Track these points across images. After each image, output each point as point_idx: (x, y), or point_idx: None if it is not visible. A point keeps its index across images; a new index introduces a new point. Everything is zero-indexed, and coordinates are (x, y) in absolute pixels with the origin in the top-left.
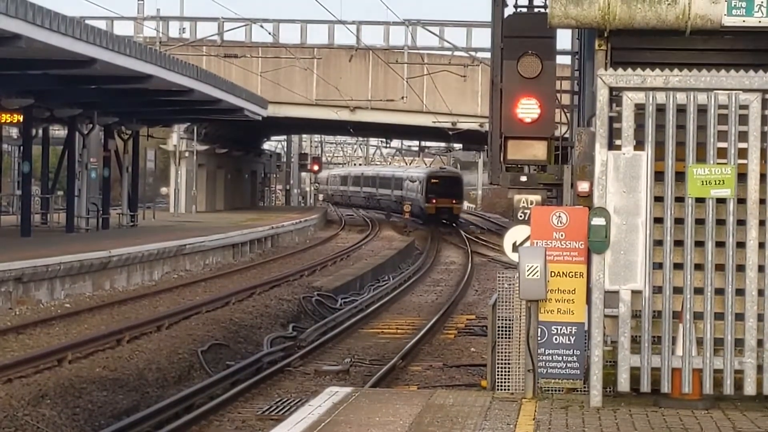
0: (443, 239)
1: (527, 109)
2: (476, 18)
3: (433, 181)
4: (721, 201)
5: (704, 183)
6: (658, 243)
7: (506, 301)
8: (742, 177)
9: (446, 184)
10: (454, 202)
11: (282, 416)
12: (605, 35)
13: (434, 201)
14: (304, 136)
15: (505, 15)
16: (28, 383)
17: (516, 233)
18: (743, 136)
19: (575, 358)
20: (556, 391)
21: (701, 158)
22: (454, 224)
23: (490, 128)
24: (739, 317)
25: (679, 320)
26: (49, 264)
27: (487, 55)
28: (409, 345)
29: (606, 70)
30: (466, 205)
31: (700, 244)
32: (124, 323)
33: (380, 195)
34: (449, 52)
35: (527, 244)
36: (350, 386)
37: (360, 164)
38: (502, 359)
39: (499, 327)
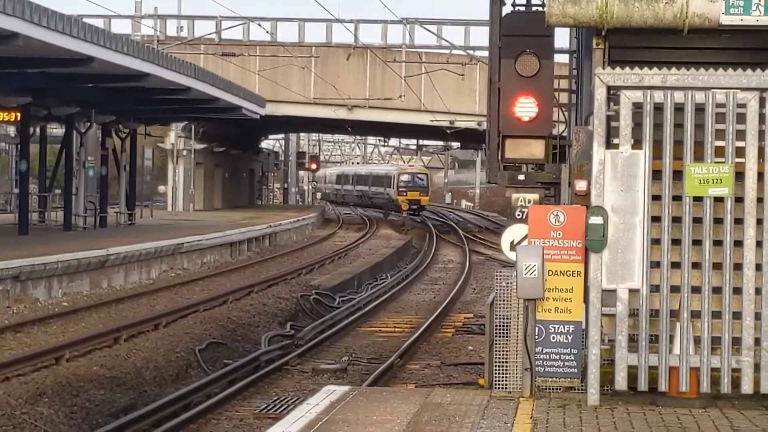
0: (441, 238)
1: (525, 107)
2: (474, 17)
3: (403, 178)
4: (718, 200)
5: (702, 182)
6: (656, 242)
7: (504, 300)
8: (739, 176)
9: (415, 180)
10: (421, 194)
11: (279, 415)
12: (603, 34)
13: (405, 194)
14: (302, 134)
15: (503, 14)
16: (25, 381)
17: (514, 232)
18: (741, 135)
19: (573, 357)
20: (553, 389)
21: (699, 157)
22: (420, 213)
23: (488, 127)
24: (737, 316)
25: (677, 319)
26: (46, 262)
27: (485, 53)
28: (406, 343)
29: (604, 68)
30: (464, 203)
31: (697, 242)
32: (122, 322)
33: (345, 191)
34: (447, 51)
35: (525, 242)
36: (348, 385)
37: (351, 164)
38: (499, 358)
39: (496, 326)
